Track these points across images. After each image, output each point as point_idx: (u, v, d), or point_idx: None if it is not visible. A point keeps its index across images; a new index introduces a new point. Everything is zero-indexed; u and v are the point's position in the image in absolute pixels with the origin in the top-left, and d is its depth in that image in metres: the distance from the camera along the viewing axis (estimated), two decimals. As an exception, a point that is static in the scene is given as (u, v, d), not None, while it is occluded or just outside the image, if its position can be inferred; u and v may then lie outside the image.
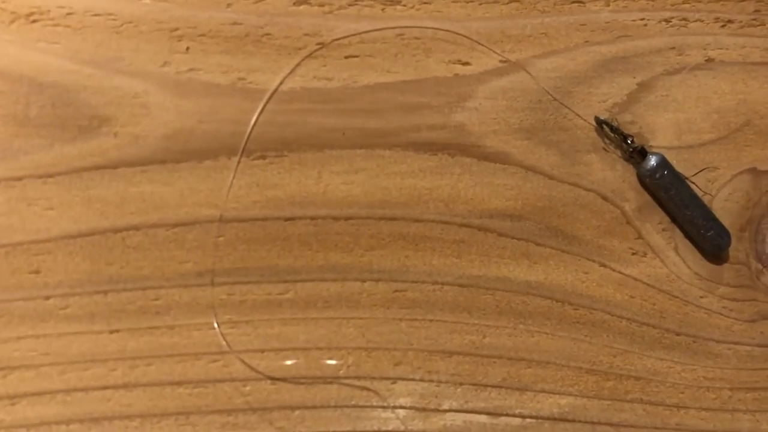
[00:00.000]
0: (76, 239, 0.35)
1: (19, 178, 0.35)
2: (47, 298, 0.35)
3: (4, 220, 0.35)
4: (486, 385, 0.37)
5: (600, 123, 0.40)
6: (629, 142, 0.39)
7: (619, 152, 0.40)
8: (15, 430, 0.33)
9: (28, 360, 0.34)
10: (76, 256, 0.35)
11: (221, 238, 0.36)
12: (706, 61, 0.41)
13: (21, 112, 0.35)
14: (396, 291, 0.37)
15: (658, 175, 0.39)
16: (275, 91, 0.37)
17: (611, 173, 0.40)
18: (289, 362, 0.36)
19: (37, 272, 0.35)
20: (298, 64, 0.38)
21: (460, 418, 0.36)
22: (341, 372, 0.36)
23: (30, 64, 0.36)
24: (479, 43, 0.39)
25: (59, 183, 0.35)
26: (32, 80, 0.36)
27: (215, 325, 0.35)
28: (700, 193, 0.40)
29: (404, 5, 0.39)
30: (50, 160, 0.35)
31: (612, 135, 0.40)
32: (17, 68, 0.36)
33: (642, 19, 0.41)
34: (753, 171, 0.40)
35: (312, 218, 0.37)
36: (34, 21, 0.36)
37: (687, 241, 0.40)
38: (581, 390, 0.37)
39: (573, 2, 0.41)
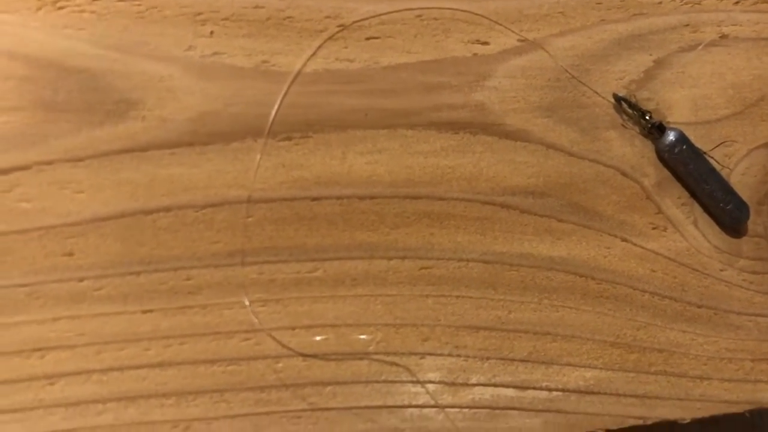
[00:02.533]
0: (107, 221, 0.35)
1: (50, 162, 0.35)
2: (81, 279, 0.35)
3: (37, 204, 0.35)
4: (513, 360, 0.37)
5: (618, 99, 0.40)
6: (647, 118, 0.40)
7: (637, 128, 0.40)
8: (53, 409, 0.34)
9: (64, 340, 0.35)
10: (108, 238, 0.35)
11: (250, 219, 0.37)
12: (720, 37, 0.42)
13: (49, 97, 0.36)
14: (422, 268, 0.38)
15: (676, 150, 0.40)
16: (298, 73, 0.38)
17: (630, 149, 0.40)
18: (318, 338, 0.36)
19: (70, 255, 0.35)
20: (320, 46, 0.38)
21: (488, 392, 0.37)
22: (371, 348, 0.37)
23: (57, 49, 0.36)
24: (497, 23, 0.40)
25: (89, 166, 0.36)
26: (59, 66, 0.36)
27: (246, 303, 0.36)
28: (718, 167, 0.40)
29: (423, -14, 0.40)
30: (79, 144, 0.36)
31: (630, 111, 0.40)
32: (44, 54, 0.36)
33: (657, -3, 0.42)
34: (770, 144, 0.41)
35: (338, 198, 0.38)
36: (61, 8, 0.36)
37: (706, 215, 0.40)
38: (606, 363, 0.38)
39: (588, -19, 0.41)
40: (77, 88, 0.36)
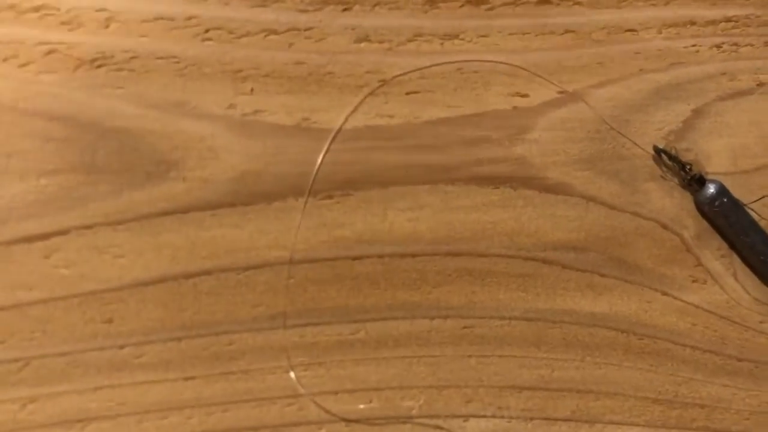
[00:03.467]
0: (147, 286, 0.35)
1: (89, 227, 0.34)
2: (122, 347, 0.34)
3: (76, 270, 0.34)
4: (556, 419, 0.37)
5: (658, 152, 0.40)
6: (687, 170, 0.39)
7: (676, 180, 0.40)
8: (96, 483, 0.33)
9: (105, 410, 0.34)
10: (148, 303, 0.35)
11: (291, 280, 0.36)
12: (757, 85, 0.41)
13: (89, 159, 0.35)
14: (464, 327, 0.37)
15: (717, 203, 0.39)
16: (339, 130, 0.37)
17: (670, 201, 0.39)
18: (362, 406, 0.35)
19: (110, 321, 0.34)
20: (360, 102, 0.37)
21: (532, 453, 0.36)
22: (414, 411, 0.36)
23: (96, 110, 0.35)
24: (537, 75, 0.39)
25: (129, 230, 0.35)
26: (99, 126, 0.35)
27: (289, 368, 0.35)
28: (758, 219, 0.40)
29: (462, 39, 0.39)
30: (119, 207, 0.35)
31: (670, 163, 0.40)
32: (83, 115, 0.35)
33: (693, 46, 0.41)
34: (809, 195, 0.40)
35: (379, 256, 0.37)
36: (99, 66, 0.36)
37: (746, 268, 0.39)
38: (648, 420, 0.37)
39: (626, 30, 0.41)
40: (117, 149, 0.35)
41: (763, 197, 0.40)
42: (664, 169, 0.40)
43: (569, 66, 0.39)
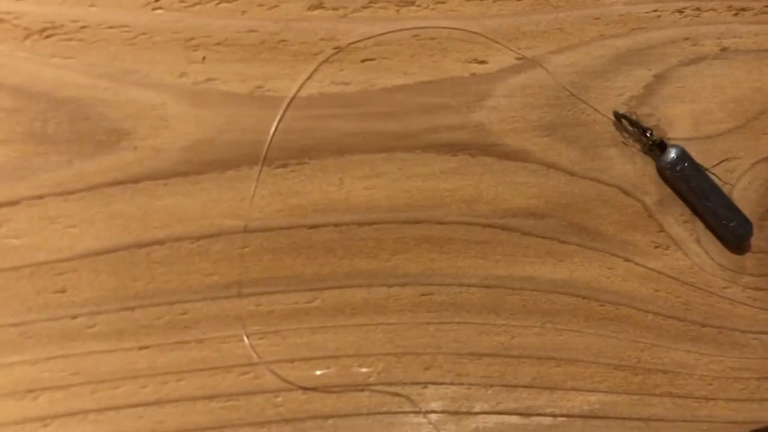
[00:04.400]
0: (100, 256, 0.34)
1: (40, 197, 0.34)
2: (74, 317, 0.34)
3: (27, 240, 0.34)
4: (516, 386, 0.37)
5: (619, 117, 0.39)
6: (648, 135, 0.39)
7: (638, 146, 0.39)
8: (48, 452, 0.33)
9: (58, 380, 0.33)
10: (101, 273, 0.34)
11: (246, 249, 0.35)
12: (720, 50, 0.41)
13: (39, 129, 0.35)
14: (423, 295, 0.37)
15: (678, 168, 0.39)
16: (293, 97, 0.37)
17: (631, 167, 0.39)
18: (319, 372, 0.35)
19: (62, 291, 0.34)
20: (315, 70, 0.37)
21: (491, 419, 0.36)
22: (372, 379, 0.36)
23: (45, 80, 0.35)
24: (495, 41, 0.39)
25: (81, 200, 0.34)
26: (49, 96, 0.35)
27: (244, 337, 0.35)
28: (720, 184, 0.39)
29: (418, 6, 0.38)
30: (70, 177, 0.34)
31: (631, 129, 0.39)
32: (33, 85, 0.35)
33: (655, 11, 0.41)
34: (773, 159, 0.40)
35: (336, 225, 0.36)
36: (48, 36, 0.35)
37: (709, 233, 0.39)
38: (610, 386, 0.37)
39: (587, -4, 0.40)
40: (67, 119, 0.35)
41: (724, 161, 0.39)
42: (625, 135, 0.39)
43: (528, 31, 0.39)
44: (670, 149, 0.39)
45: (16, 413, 0.33)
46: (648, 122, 0.39)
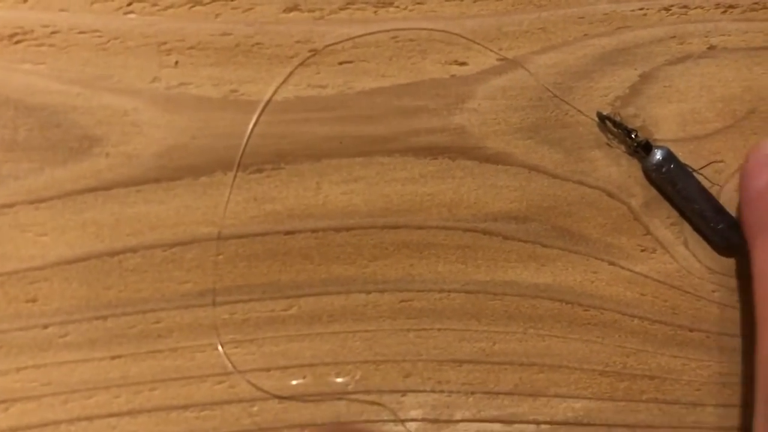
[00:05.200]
0: (72, 265, 0.34)
1: (11, 205, 0.34)
2: (45, 326, 0.34)
3: (-2, 249, 0.34)
4: (498, 393, 0.36)
5: (602, 118, 0.38)
6: (633, 136, 0.38)
7: (623, 147, 0.38)
8: (19, 464, 0.32)
9: (29, 391, 0.33)
10: (72, 281, 0.34)
11: (221, 256, 0.35)
12: (708, 48, 0.40)
13: (9, 136, 0.34)
14: (402, 301, 0.36)
15: (664, 169, 0.38)
16: (269, 101, 0.36)
17: (616, 169, 0.38)
18: (295, 381, 0.34)
19: (33, 301, 0.34)
20: (291, 73, 0.36)
21: (473, 427, 0.36)
22: (350, 387, 0.35)
23: (15, 86, 0.34)
24: (475, 42, 0.38)
25: (52, 207, 0.34)
26: (18, 103, 0.34)
27: (219, 345, 0.34)
28: (707, 185, 0.38)
29: (397, 7, 0.38)
30: (41, 185, 0.34)
31: (615, 130, 0.38)
32: (2, 91, 0.34)
33: (641, 9, 0.40)
34: (761, 160, 0.39)
35: (312, 231, 0.36)
36: (18, 42, 0.35)
37: (696, 235, 0.38)
38: (595, 392, 0.36)
39: (570, -6, 0.40)
40: (38, 125, 0.34)
41: (712, 163, 0.38)
42: (610, 136, 0.38)
43: (509, 32, 0.38)
44: (656, 150, 0.38)
45: (-15, 425, 0.32)
46: (634, 123, 0.38)
